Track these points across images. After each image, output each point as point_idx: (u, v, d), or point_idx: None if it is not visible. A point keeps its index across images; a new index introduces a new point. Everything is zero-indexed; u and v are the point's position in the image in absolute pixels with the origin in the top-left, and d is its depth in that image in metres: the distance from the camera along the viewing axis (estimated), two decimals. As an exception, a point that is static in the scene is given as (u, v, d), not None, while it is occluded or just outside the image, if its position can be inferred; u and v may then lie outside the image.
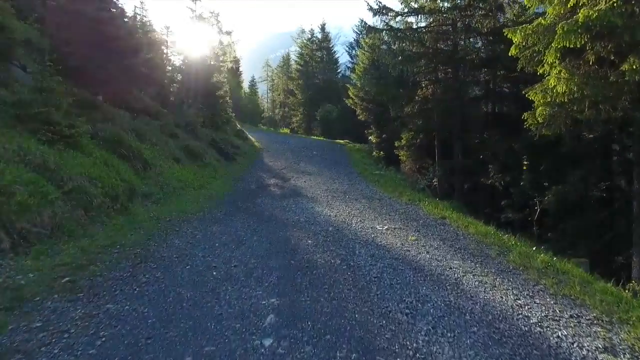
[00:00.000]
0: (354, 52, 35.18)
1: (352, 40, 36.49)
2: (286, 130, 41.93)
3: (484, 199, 13.17)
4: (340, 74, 37.97)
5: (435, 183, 14.01)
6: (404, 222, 7.10)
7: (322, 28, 38.80)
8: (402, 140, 17.64)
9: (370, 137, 23.98)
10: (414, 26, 12.50)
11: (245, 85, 59.08)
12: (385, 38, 13.11)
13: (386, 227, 6.61)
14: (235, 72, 51.39)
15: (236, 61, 49.39)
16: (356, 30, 35.71)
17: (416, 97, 13.40)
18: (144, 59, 14.98)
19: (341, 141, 27.62)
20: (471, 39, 11.71)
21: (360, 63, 24.29)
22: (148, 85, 15.28)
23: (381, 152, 21.43)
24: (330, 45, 38.83)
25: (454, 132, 12.19)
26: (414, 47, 11.50)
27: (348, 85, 24.78)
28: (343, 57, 39.81)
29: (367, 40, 22.55)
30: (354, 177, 13.71)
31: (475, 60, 10.72)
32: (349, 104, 24.58)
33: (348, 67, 35.62)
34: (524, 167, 10.34)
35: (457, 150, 12.34)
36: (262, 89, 63.01)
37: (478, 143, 12.19)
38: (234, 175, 13.24)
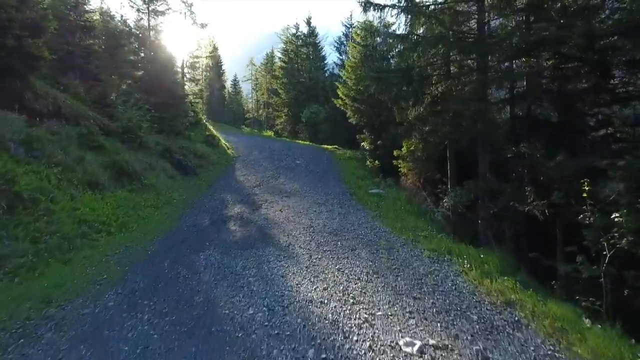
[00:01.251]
0: (343, 47, 32.07)
1: (341, 34, 33.35)
2: (270, 133, 38.59)
3: (514, 231, 10.20)
4: (328, 72, 34.80)
5: (446, 204, 10.90)
6: (443, 318, 3.91)
7: (308, 22, 35.50)
8: (404, 149, 14.60)
9: (362, 143, 20.93)
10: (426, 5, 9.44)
11: (231, 85, 55.40)
12: (388, 20, 10.00)
13: (417, 344, 3.41)
14: (218, 71, 47.69)
15: (214, 57, 45.77)
16: (346, 24, 32.65)
17: (426, 96, 10.28)
18: (80, 43, 11.56)
19: (329, 147, 24.48)
20: (506, 19, 8.65)
21: (351, 58, 21.18)
22: (80, 78, 11.82)
23: (376, 162, 18.38)
24: (317, 41, 35.56)
25: (479, 142, 9.11)
26: (435, 27, 8.38)
27: (337, 84, 21.68)
28: (332, 57, 36.70)
29: (363, 24, 19.58)
30: (347, 200, 10.53)
31: (515, 45, 7.64)
32: (338, 105, 21.47)
33: (337, 64, 32.47)
34: (585, 195, 7.17)
35: (483, 167, 9.27)
36: (247, 88, 59.46)
37: (512, 158, 9.12)
38: (187, 201, 9.86)
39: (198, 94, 36.16)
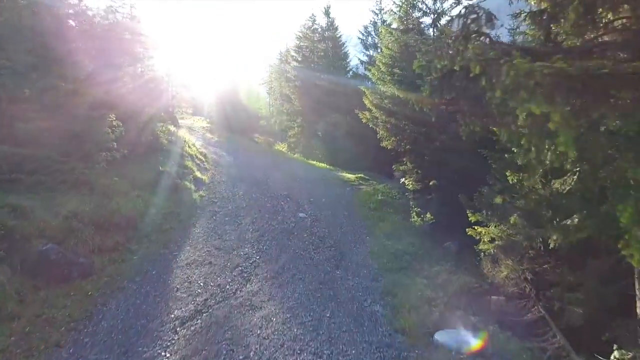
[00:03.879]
0: (370, 39, 24.99)
1: (368, 24, 26.20)
2: (282, 147, 31.98)
3: None
4: (352, 72, 27.77)
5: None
6: None
7: (327, 12, 28.59)
8: (495, 220, 7.65)
9: (403, 180, 13.91)
10: None
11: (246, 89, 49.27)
12: None
13: None
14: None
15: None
16: (374, 10, 25.52)
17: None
18: None
19: (352, 176, 17.53)
20: None
21: (384, 50, 14.17)
22: None
23: (427, 215, 11.31)
24: (338, 35, 28.58)
25: None
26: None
27: (363, 89, 14.74)
28: (356, 59, 29.34)
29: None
30: None
31: None
32: (364, 121, 14.46)
33: (362, 62, 25.40)
34: None
35: None
36: (265, 93, 53.33)
37: None
38: None
39: (190, 102, 30.35)
